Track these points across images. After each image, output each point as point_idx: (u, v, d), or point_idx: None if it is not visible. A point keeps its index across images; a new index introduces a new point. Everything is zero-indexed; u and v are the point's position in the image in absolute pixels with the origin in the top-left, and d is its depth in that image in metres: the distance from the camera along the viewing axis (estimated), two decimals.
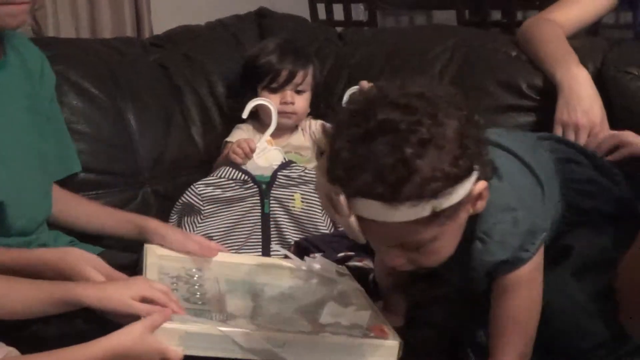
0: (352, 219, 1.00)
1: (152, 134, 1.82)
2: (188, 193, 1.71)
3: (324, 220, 1.70)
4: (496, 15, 3.42)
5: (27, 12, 1.33)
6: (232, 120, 1.90)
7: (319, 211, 1.70)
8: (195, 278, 1.33)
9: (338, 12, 3.60)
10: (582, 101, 1.52)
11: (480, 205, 1.04)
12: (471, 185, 1.00)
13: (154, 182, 1.81)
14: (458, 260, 1.09)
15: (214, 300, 1.25)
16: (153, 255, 1.38)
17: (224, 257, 1.43)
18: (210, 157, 1.89)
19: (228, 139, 1.86)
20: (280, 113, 1.79)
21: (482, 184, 1.02)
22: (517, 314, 1.11)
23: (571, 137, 1.51)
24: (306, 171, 1.74)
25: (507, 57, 1.75)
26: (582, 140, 1.50)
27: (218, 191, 1.70)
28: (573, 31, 1.71)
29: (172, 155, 1.84)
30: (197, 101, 1.93)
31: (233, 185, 1.71)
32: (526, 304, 1.12)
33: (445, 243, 1.04)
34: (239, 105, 1.83)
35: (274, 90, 1.81)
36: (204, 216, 1.69)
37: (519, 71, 1.71)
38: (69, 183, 1.65)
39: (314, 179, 1.65)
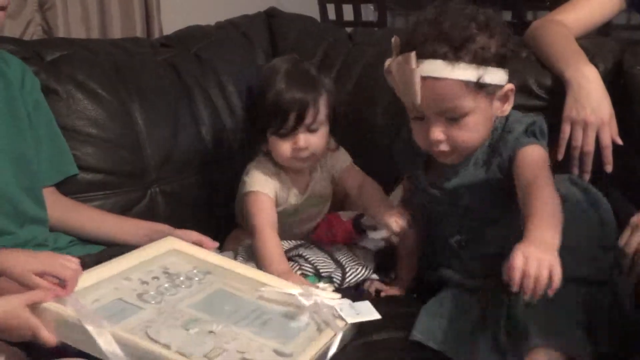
0: (418, 79, 1.30)
1: (160, 134, 1.81)
2: None
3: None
4: (506, 16, 3.41)
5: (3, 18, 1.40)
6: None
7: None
8: (182, 278, 1.31)
9: (348, 12, 3.60)
10: (591, 99, 1.52)
11: (507, 107, 1.40)
12: (505, 78, 1.36)
13: (162, 182, 1.80)
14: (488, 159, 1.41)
15: (168, 306, 1.21)
16: (162, 245, 1.38)
17: (244, 270, 1.41)
18: (219, 157, 1.89)
19: (251, 188, 1.62)
20: (294, 159, 1.61)
21: (511, 85, 1.38)
22: (536, 178, 1.31)
23: (579, 134, 1.51)
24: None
25: (517, 57, 1.74)
26: (591, 137, 1.51)
27: None
28: (582, 32, 1.70)
29: (181, 155, 1.83)
30: (206, 101, 1.93)
31: None
32: (543, 173, 1.33)
33: (478, 122, 1.36)
34: (248, 143, 1.70)
35: (283, 136, 1.59)
36: None
37: (529, 71, 1.70)
38: (76, 185, 1.66)
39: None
